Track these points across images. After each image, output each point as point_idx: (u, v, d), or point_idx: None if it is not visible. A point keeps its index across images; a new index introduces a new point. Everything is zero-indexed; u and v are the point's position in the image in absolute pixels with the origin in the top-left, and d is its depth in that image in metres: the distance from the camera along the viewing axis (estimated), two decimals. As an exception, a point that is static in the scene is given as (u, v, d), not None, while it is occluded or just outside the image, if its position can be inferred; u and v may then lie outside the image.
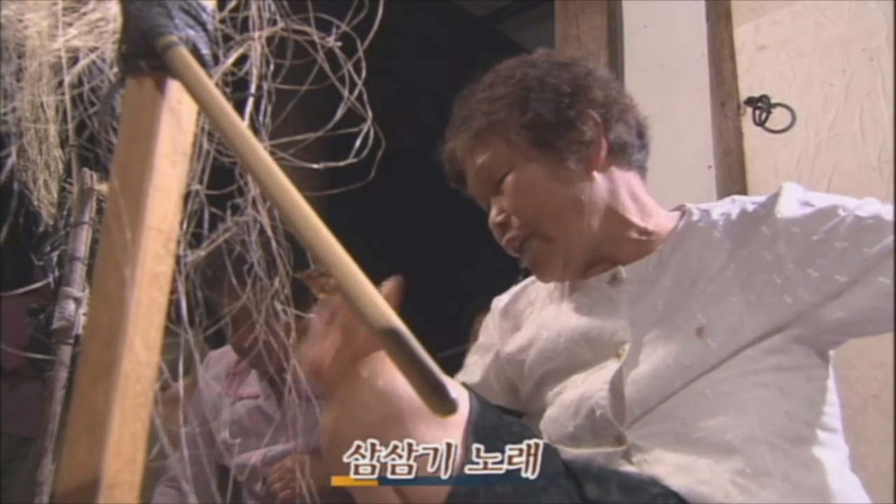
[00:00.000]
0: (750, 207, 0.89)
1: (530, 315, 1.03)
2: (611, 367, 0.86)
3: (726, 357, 0.81)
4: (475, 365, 1.09)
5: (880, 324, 0.82)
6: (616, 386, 0.85)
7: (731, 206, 0.92)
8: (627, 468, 0.82)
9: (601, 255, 0.94)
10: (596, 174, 0.92)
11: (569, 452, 0.86)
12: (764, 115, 1.62)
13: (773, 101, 1.62)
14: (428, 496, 0.70)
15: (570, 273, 0.95)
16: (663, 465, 0.79)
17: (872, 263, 0.79)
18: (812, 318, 0.82)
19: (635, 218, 0.93)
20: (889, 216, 0.80)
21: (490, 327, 1.10)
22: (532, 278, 1.08)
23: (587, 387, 0.88)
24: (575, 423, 0.87)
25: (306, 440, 1.33)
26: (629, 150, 0.96)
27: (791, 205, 0.85)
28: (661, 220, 0.95)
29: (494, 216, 0.94)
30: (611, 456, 0.83)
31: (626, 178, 0.95)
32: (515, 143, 0.92)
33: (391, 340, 0.36)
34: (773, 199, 0.87)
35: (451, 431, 0.73)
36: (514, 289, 1.10)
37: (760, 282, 0.83)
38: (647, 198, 0.97)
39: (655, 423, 0.82)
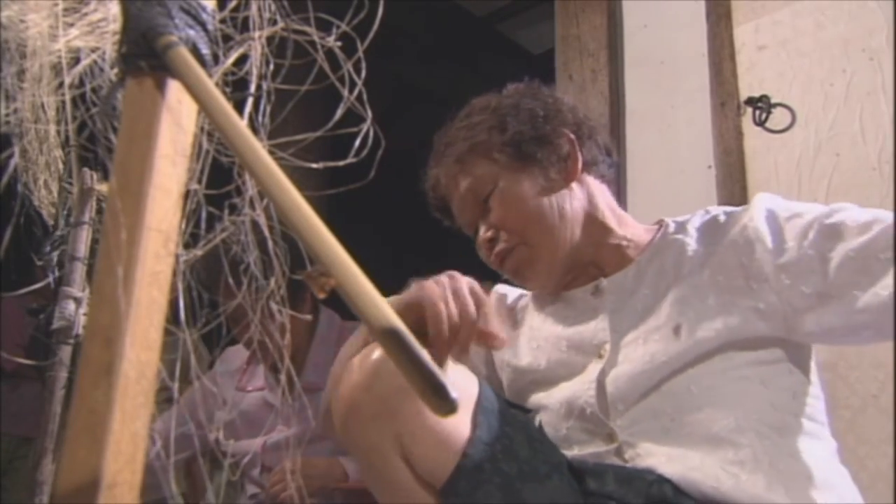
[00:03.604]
0: (722, 218, 0.93)
1: (521, 322, 1.06)
2: (595, 368, 0.89)
3: (704, 353, 0.84)
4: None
5: (858, 337, 0.84)
6: (601, 384, 0.88)
7: (705, 216, 0.97)
8: (620, 464, 0.83)
9: (584, 261, 0.98)
10: (574, 185, 0.98)
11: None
12: (764, 115, 1.62)
13: (773, 101, 1.62)
14: (436, 471, 0.72)
15: (554, 278, 0.99)
16: (655, 457, 0.81)
17: (843, 278, 0.80)
18: (787, 322, 0.84)
19: (613, 224, 0.99)
20: (854, 223, 0.82)
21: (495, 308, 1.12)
22: (521, 292, 1.12)
23: (574, 388, 0.90)
24: (567, 424, 0.90)
25: (304, 428, 1.37)
26: (600, 164, 1.02)
27: (763, 215, 0.88)
28: (637, 230, 1.00)
29: (483, 233, 0.98)
30: (603, 455, 0.85)
31: (601, 190, 1.01)
32: (498, 161, 0.97)
33: (391, 340, 0.36)
34: (746, 209, 0.91)
35: (463, 408, 0.76)
36: (516, 290, 1.13)
37: (735, 287, 0.86)
38: (620, 210, 1.03)
39: (645, 421, 0.84)
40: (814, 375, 0.88)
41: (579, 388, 0.89)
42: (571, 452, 0.87)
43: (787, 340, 0.85)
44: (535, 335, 1.00)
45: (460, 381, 0.79)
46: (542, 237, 0.95)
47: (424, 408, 0.71)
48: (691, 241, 0.92)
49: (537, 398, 0.95)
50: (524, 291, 1.11)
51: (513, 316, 1.08)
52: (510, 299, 1.11)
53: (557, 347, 0.95)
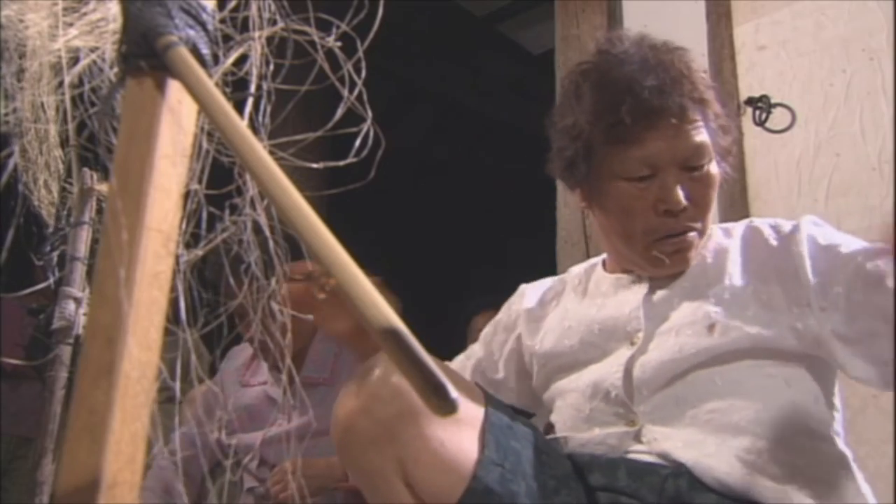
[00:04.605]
0: (767, 232, 0.91)
1: (555, 308, 1.05)
2: (625, 353, 0.89)
3: (733, 352, 0.84)
4: (496, 343, 1.09)
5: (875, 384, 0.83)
6: (629, 369, 0.88)
7: (750, 225, 0.95)
8: (638, 447, 0.84)
9: None
10: None
11: (582, 437, 0.88)
12: (764, 115, 1.62)
13: (773, 101, 1.62)
14: (442, 495, 0.71)
15: None
16: (672, 441, 0.82)
17: (868, 323, 0.79)
18: (821, 347, 0.83)
19: None
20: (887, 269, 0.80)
21: (513, 308, 1.10)
22: (560, 276, 1.10)
23: (602, 371, 0.90)
24: (591, 405, 0.90)
25: (304, 423, 1.38)
26: None
27: (807, 241, 0.86)
28: None
29: (683, 198, 0.87)
30: (622, 436, 0.86)
31: None
32: (719, 142, 0.92)
33: (391, 340, 0.36)
34: (793, 232, 0.88)
35: (466, 429, 0.74)
36: (545, 281, 1.11)
37: (777, 306, 0.85)
38: None
39: (668, 407, 0.84)
40: (836, 388, 0.89)
41: (607, 371, 0.89)
42: (591, 433, 0.88)
43: (816, 355, 0.86)
44: (568, 315, 0.99)
45: (466, 400, 0.77)
46: (706, 232, 0.92)
47: (426, 431, 0.71)
48: (734, 249, 0.92)
49: (565, 382, 0.95)
50: (561, 277, 1.10)
51: (542, 309, 1.06)
52: (538, 293, 1.08)
53: (589, 330, 0.94)
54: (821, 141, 1.55)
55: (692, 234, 0.89)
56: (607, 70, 0.90)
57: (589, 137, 0.91)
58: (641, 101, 0.86)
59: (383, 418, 0.71)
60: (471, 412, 0.76)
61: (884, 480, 1.24)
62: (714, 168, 0.90)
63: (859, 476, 0.83)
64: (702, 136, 0.88)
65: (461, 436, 0.73)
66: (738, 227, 0.96)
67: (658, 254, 0.90)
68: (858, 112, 1.52)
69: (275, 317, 0.54)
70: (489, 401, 0.79)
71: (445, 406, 0.35)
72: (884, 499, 1.19)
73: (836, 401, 0.88)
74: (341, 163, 0.56)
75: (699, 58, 1.79)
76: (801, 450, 0.80)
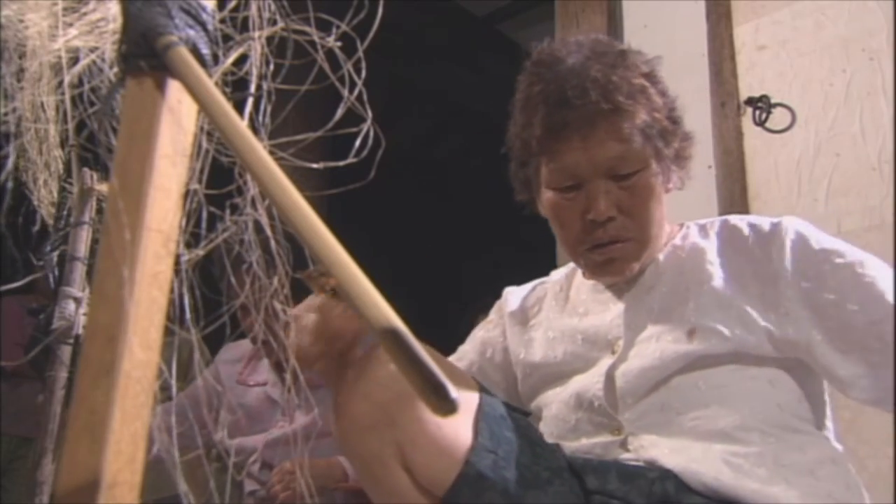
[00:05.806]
0: (746, 231, 0.90)
1: (537, 314, 1.05)
2: (606, 362, 0.89)
3: (714, 356, 0.83)
4: (481, 341, 1.09)
5: (861, 392, 0.82)
6: (610, 377, 0.88)
7: (726, 223, 0.93)
8: (625, 455, 0.84)
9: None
10: None
11: (569, 447, 0.88)
12: (764, 115, 1.62)
13: (773, 101, 1.62)
14: (438, 479, 0.71)
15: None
16: (658, 448, 0.82)
17: (860, 335, 0.79)
18: (800, 355, 0.83)
19: (664, 231, 0.95)
20: (885, 282, 0.80)
21: (499, 313, 1.10)
22: (542, 279, 1.10)
23: (585, 381, 0.90)
24: (576, 416, 0.90)
25: (307, 424, 1.37)
26: None
27: (789, 247, 0.86)
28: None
29: (607, 208, 0.86)
30: (609, 445, 0.86)
31: None
32: (654, 148, 0.89)
33: (391, 340, 0.36)
34: (774, 234, 0.87)
35: (462, 415, 0.75)
36: (527, 285, 1.11)
37: (757, 311, 0.84)
38: None
39: (652, 414, 0.84)
40: (825, 384, 0.88)
41: (589, 381, 0.89)
42: (578, 443, 0.88)
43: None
44: (551, 325, 0.99)
45: (461, 387, 0.78)
46: (649, 241, 0.90)
47: (424, 415, 0.71)
48: (712, 250, 0.90)
49: (551, 394, 0.95)
50: (542, 280, 1.09)
51: (524, 313, 1.06)
52: (521, 297, 1.08)
53: (573, 340, 0.94)
54: (821, 141, 1.55)
55: (622, 245, 0.88)
56: (532, 81, 0.90)
57: (519, 149, 0.92)
58: (550, 112, 0.86)
59: (382, 401, 0.72)
60: (466, 399, 0.77)
61: (884, 480, 1.24)
62: (649, 176, 0.88)
63: (851, 471, 0.83)
64: (626, 143, 0.86)
65: (457, 421, 0.74)
66: (715, 225, 0.94)
67: (588, 264, 0.90)
68: (858, 112, 1.52)
69: (278, 316, 0.54)
70: (484, 390, 0.80)
71: (445, 406, 0.35)
72: (884, 499, 1.19)
73: (823, 393, 0.88)
74: (341, 163, 0.56)
75: (699, 58, 1.81)
76: (788, 450, 0.80)
